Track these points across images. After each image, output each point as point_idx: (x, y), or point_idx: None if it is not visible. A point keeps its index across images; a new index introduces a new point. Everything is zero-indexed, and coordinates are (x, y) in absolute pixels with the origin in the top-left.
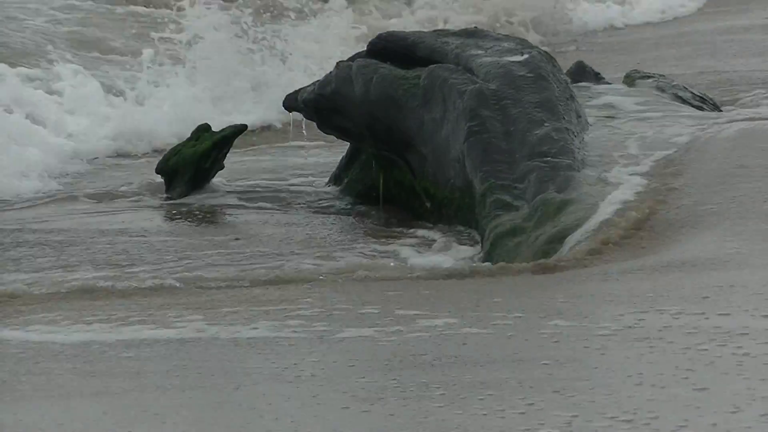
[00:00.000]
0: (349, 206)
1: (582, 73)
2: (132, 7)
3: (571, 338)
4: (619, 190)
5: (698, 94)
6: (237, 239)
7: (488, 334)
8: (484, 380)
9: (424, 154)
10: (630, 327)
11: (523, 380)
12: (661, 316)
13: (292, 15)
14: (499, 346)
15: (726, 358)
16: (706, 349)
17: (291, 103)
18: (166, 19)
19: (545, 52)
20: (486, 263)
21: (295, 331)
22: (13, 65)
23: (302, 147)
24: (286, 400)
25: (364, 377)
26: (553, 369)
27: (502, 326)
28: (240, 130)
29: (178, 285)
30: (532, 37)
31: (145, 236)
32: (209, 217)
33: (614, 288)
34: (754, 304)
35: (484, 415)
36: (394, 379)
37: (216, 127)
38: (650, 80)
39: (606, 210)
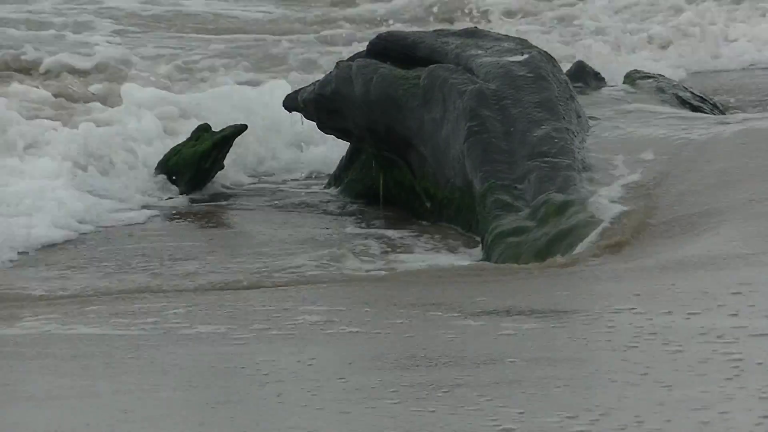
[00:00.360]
0: (349, 206)
1: (582, 73)
2: None
3: (536, 337)
4: (618, 192)
5: (698, 94)
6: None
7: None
8: (437, 379)
9: (424, 154)
10: (592, 325)
11: (483, 378)
12: (634, 316)
13: None
14: (462, 345)
15: (690, 356)
16: (667, 347)
17: (291, 103)
18: None
19: (545, 52)
20: (485, 263)
21: (143, 329)
22: None
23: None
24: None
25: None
26: (517, 367)
27: (464, 326)
28: (240, 130)
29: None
30: None
31: (140, 237)
32: (208, 217)
33: (591, 288)
34: (713, 304)
35: (432, 412)
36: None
37: None
38: (650, 80)
39: (604, 214)
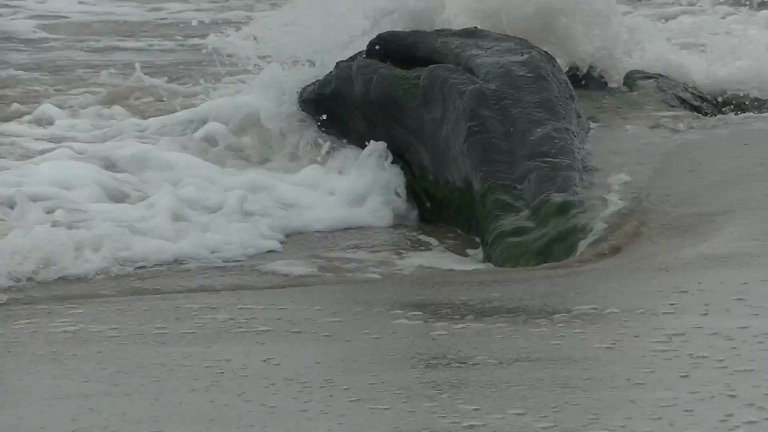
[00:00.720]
0: None
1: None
2: None
3: (515, 337)
4: (618, 192)
5: (698, 94)
6: None
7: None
8: (388, 379)
9: (424, 154)
10: (578, 325)
11: (444, 377)
12: (621, 316)
13: None
14: (424, 345)
15: (661, 355)
16: (645, 347)
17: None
18: None
19: (545, 52)
20: (487, 265)
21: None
22: None
23: None
24: None
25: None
26: (486, 367)
27: (436, 327)
28: None
29: None
30: None
31: None
32: None
33: (587, 289)
34: (698, 303)
35: (386, 409)
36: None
37: None
38: (651, 80)
39: (604, 214)
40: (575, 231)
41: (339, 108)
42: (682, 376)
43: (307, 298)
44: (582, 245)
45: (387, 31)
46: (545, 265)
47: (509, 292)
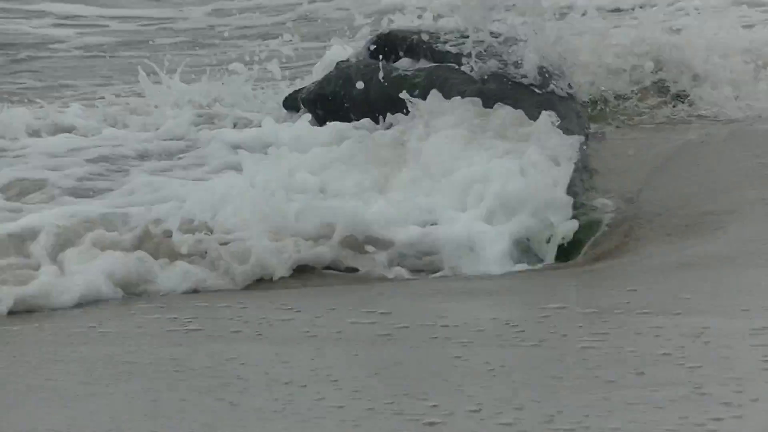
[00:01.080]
0: None
1: None
2: None
3: (453, 338)
4: (618, 193)
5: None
6: None
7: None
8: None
9: None
10: (564, 325)
11: (403, 376)
12: (611, 317)
13: None
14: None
15: (636, 355)
16: (627, 348)
17: (292, 103)
18: None
19: None
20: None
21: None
22: None
23: None
24: None
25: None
26: (448, 363)
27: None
28: None
29: None
30: None
31: None
32: None
33: (581, 289)
34: (687, 303)
35: (341, 407)
36: None
37: None
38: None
39: (604, 215)
40: (573, 233)
41: (339, 108)
42: (644, 374)
43: (272, 300)
44: (580, 246)
45: (387, 31)
46: (532, 268)
47: (486, 292)
